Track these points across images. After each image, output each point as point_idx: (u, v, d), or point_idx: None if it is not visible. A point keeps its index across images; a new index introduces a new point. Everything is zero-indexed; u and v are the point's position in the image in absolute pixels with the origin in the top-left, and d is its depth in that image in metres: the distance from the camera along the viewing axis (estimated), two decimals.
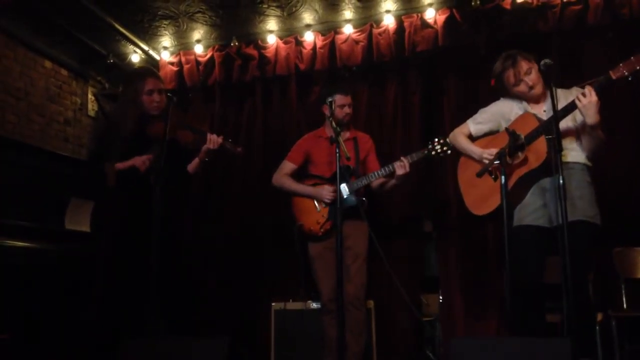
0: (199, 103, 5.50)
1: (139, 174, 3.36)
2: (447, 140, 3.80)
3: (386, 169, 3.91)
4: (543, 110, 3.30)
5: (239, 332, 4.75)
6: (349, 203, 3.90)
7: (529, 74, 3.27)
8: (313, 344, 4.02)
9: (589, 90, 2.94)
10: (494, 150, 3.25)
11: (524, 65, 3.27)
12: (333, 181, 3.98)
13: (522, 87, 3.30)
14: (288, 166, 4.18)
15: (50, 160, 4.50)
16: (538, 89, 3.30)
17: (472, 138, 3.58)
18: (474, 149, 3.47)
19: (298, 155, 4.19)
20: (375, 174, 3.94)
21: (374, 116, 4.99)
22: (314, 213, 4.03)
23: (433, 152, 3.88)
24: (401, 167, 3.83)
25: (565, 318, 2.67)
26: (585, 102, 2.93)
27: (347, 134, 4.10)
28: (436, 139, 3.89)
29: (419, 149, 3.95)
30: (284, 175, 4.16)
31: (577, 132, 3.22)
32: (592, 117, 2.97)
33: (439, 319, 4.68)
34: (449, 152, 3.82)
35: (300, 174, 4.20)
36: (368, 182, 3.97)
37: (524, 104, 3.36)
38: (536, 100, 3.34)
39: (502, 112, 3.45)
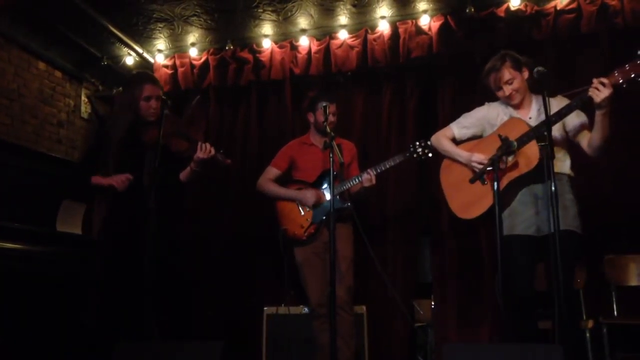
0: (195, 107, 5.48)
1: (118, 190, 3.35)
2: (429, 143, 3.84)
3: (357, 178, 3.96)
4: (529, 117, 3.31)
5: (231, 337, 4.73)
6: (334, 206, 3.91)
7: (509, 84, 3.30)
8: (305, 348, 4.02)
9: (608, 83, 2.89)
10: (482, 156, 3.27)
11: (506, 75, 3.30)
12: (316, 185, 4.06)
13: (500, 93, 3.36)
14: (272, 171, 4.21)
15: (42, 162, 4.49)
16: (516, 99, 3.33)
17: (455, 142, 3.58)
18: (461, 153, 3.46)
19: (283, 161, 4.22)
20: (356, 178, 3.97)
21: (369, 121, 5.01)
22: (297, 217, 4.05)
23: (415, 155, 3.95)
24: (367, 180, 3.89)
25: (556, 325, 2.67)
26: (604, 93, 2.88)
27: None
28: (417, 142, 3.95)
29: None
30: (267, 180, 4.19)
31: (563, 142, 3.24)
32: (604, 107, 2.95)
33: (431, 325, 4.68)
34: (430, 155, 3.91)
35: (283, 180, 4.22)
36: (350, 186, 3.99)
37: (510, 109, 3.37)
38: (520, 106, 3.36)
39: (488, 117, 3.46)
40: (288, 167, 4.22)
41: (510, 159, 3.21)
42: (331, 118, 4.02)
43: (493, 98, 3.51)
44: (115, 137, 3.43)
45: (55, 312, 3.99)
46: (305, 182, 4.11)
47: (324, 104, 3.62)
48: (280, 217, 4.13)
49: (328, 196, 3.96)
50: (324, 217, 3.94)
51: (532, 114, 3.32)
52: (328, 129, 3.35)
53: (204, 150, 3.43)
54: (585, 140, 3.20)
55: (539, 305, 3.19)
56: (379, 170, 3.95)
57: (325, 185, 4.04)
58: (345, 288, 3.86)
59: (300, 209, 4.06)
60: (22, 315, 3.80)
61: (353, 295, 3.95)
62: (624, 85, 2.90)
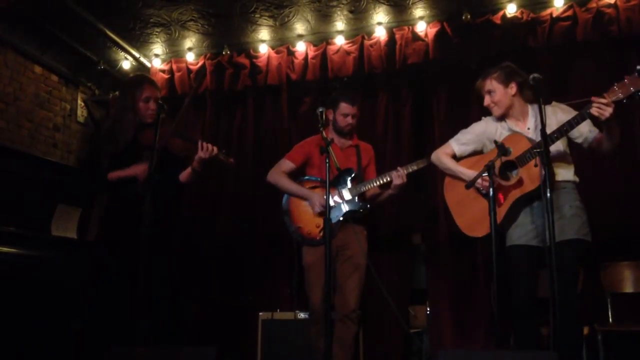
0: (189, 110, 5.48)
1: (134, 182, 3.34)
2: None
3: (383, 177, 3.90)
4: (527, 128, 3.31)
5: (226, 342, 4.72)
6: (351, 207, 3.87)
7: (490, 94, 3.34)
8: (300, 354, 4.00)
9: (608, 101, 2.86)
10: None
11: (487, 85, 3.34)
12: (334, 185, 3.89)
13: (484, 101, 3.40)
14: (287, 165, 4.06)
15: (38, 166, 4.48)
16: (495, 111, 3.36)
17: (455, 158, 3.56)
18: (464, 171, 3.44)
19: (299, 155, 4.08)
20: (375, 180, 3.90)
21: (364, 127, 4.98)
22: (313, 216, 3.91)
23: None
24: (398, 177, 3.80)
25: (553, 332, 2.67)
26: (607, 112, 2.87)
27: (349, 142, 4.08)
28: None
29: (413, 160, 3.95)
30: (280, 172, 4.03)
31: (566, 152, 3.24)
32: (610, 122, 2.95)
33: (426, 331, 4.67)
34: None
35: (297, 175, 4.09)
36: (369, 187, 3.92)
37: (508, 122, 3.37)
38: (516, 118, 3.36)
39: (487, 132, 3.45)
40: (303, 163, 4.07)
41: (514, 175, 3.20)
42: (349, 120, 3.97)
43: (489, 111, 3.52)
44: (122, 138, 3.42)
45: (48, 316, 3.97)
46: (322, 180, 3.90)
47: (321, 109, 3.55)
48: (295, 215, 3.97)
49: (346, 195, 3.91)
50: (341, 218, 3.85)
51: (530, 124, 3.32)
52: (324, 134, 3.32)
53: (205, 150, 3.42)
54: (600, 147, 3.20)
55: (540, 312, 3.18)
56: (410, 170, 3.86)
57: (343, 185, 3.93)
58: (354, 298, 3.77)
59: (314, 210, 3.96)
60: (14, 320, 3.78)
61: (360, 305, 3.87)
62: (624, 101, 2.87)
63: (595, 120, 3.00)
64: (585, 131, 3.18)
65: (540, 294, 3.19)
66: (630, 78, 2.85)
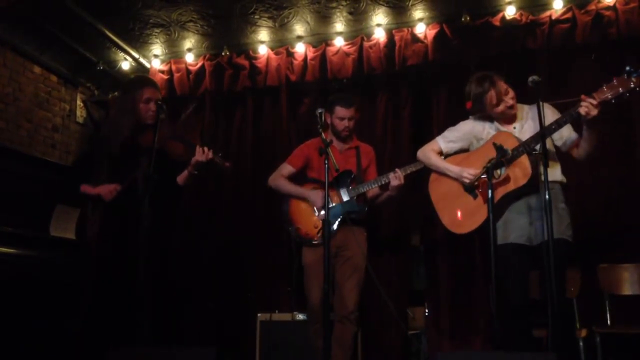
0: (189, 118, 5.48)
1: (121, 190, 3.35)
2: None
3: (381, 179, 3.91)
4: (513, 127, 3.33)
5: (225, 343, 4.72)
6: (349, 208, 3.88)
7: (508, 94, 3.30)
8: (299, 356, 4.00)
9: (597, 103, 2.91)
10: (472, 170, 3.28)
11: (502, 85, 3.30)
12: (332, 186, 3.92)
13: (501, 107, 3.30)
14: (287, 169, 4.12)
15: (36, 166, 4.48)
16: (515, 108, 3.33)
17: (442, 156, 3.58)
18: (451, 168, 3.46)
19: (298, 159, 4.13)
20: (373, 182, 3.93)
21: (364, 128, 4.99)
22: (311, 217, 3.96)
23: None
24: (395, 178, 3.82)
25: (552, 332, 2.67)
26: (593, 112, 2.92)
27: (348, 144, 4.10)
28: None
29: (412, 161, 3.96)
30: (280, 176, 4.10)
31: (552, 152, 3.25)
32: (594, 123, 3.00)
33: (425, 332, 4.68)
34: None
35: (298, 179, 4.13)
36: (367, 189, 3.94)
37: (495, 123, 3.38)
38: (508, 120, 3.37)
39: (474, 131, 3.46)
40: (303, 166, 4.12)
41: (501, 172, 3.21)
42: (346, 123, 3.99)
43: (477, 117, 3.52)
44: (116, 140, 3.42)
45: (48, 316, 3.97)
46: (320, 181, 3.91)
47: (320, 111, 3.55)
48: (293, 215, 4.02)
49: (344, 197, 3.93)
50: (340, 220, 3.88)
51: (516, 124, 3.35)
52: (323, 136, 3.33)
53: (203, 154, 3.43)
54: (575, 151, 3.24)
55: (533, 313, 3.19)
56: (408, 172, 3.87)
57: (342, 186, 3.97)
58: (353, 299, 3.79)
59: (315, 208, 3.98)
60: (13, 320, 3.77)
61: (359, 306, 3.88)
62: (613, 101, 2.90)
63: (580, 120, 3.02)
64: (565, 134, 3.22)
65: (530, 294, 3.22)
66: (618, 79, 2.90)
